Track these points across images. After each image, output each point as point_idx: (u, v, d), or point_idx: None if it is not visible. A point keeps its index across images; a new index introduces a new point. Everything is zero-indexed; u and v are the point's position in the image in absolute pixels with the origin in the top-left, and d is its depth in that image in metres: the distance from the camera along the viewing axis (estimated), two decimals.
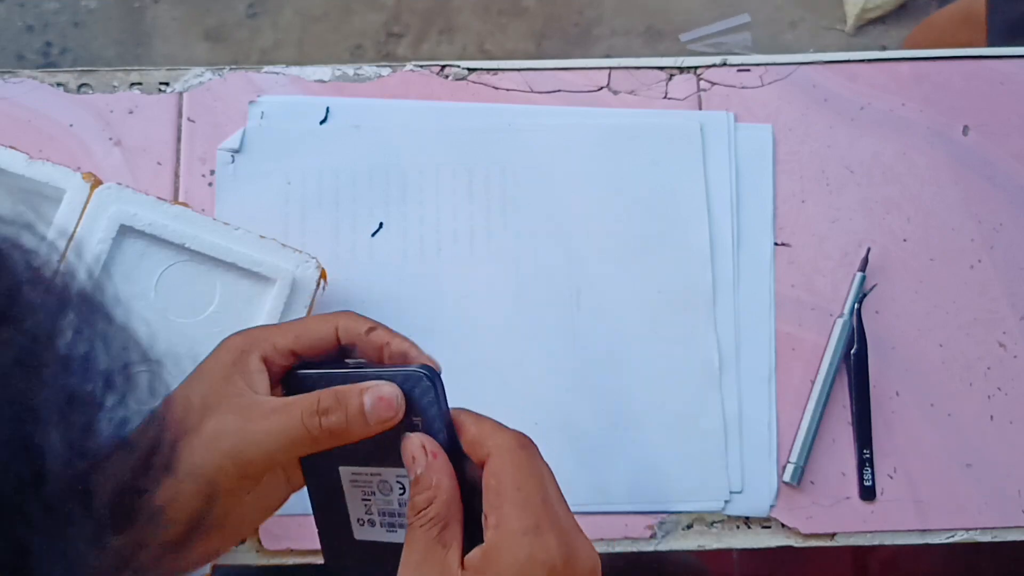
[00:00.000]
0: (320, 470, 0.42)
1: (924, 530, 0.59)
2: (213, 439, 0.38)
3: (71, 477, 0.18)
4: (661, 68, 0.65)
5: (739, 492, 0.59)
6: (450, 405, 0.40)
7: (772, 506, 0.59)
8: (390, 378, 0.39)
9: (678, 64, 0.65)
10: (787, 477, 0.58)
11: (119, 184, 0.56)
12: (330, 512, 0.42)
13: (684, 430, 0.59)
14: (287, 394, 0.41)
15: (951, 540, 0.59)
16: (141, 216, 0.55)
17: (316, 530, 0.43)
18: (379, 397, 0.38)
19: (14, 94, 0.63)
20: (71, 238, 0.55)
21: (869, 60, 0.66)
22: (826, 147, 0.64)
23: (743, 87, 0.65)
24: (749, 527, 0.59)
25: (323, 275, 0.57)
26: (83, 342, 0.19)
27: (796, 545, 0.59)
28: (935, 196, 0.64)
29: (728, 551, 0.59)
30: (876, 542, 0.59)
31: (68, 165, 0.57)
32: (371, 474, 0.41)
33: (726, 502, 0.58)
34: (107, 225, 0.55)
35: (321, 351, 0.42)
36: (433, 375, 0.40)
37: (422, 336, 0.61)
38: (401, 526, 0.41)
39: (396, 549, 0.39)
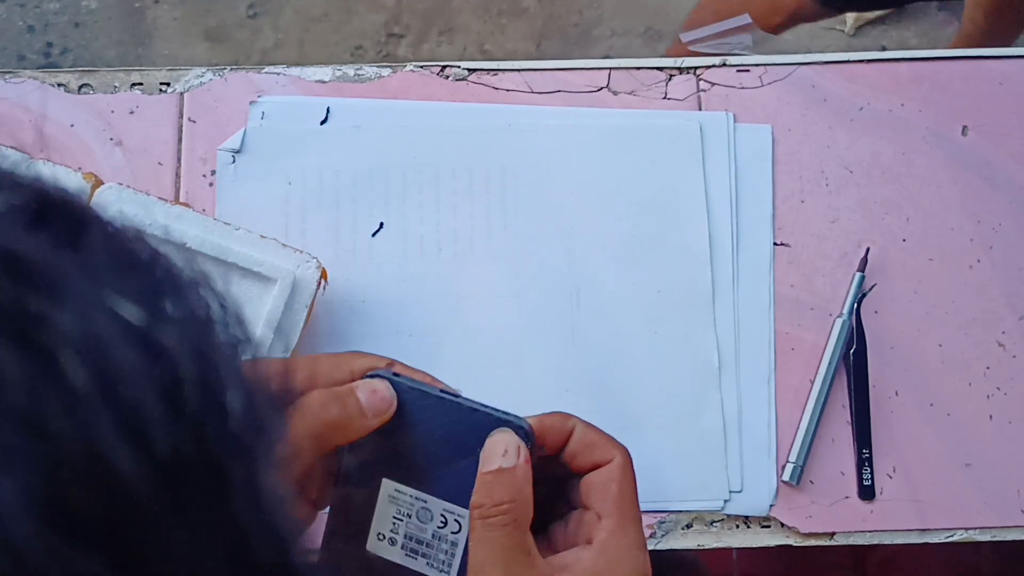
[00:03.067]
0: (361, 472, 0.41)
1: (923, 529, 0.59)
2: None
3: (248, 415, 0.20)
4: (661, 68, 0.65)
5: (738, 491, 0.59)
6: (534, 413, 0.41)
7: (771, 505, 0.59)
8: (488, 417, 0.41)
9: (678, 64, 0.65)
10: (786, 477, 0.59)
11: (120, 184, 0.56)
12: (349, 515, 0.42)
13: (684, 430, 0.59)
14: None
15: (950, 540, 0.59)
16: (142, 216, 0.55)
17: (323, 528, 0.43)
18: (372, 391, 0.39)
19: (15, 94, 0.63)
20: None
21: (868, 60, 0.66)
22: (825, 147, 0.64)
23: (743, 87, 0.65)
24: (748, 526, 0.59)
25: (324, 275, 0.57)
26: (224, 308, 0.21)
27: (795, 544, 0.59)
28: (934, 196, 0.64)
29: (727, 550, 0.59)
30: (875, 541, 0.59)
31: (69, 165, 0.57)
32: (416, 497, 0.41)
33: (725, 501, 0.59)
34: None
35: None
36: (529, 432, 0.40)
37: (422, 336, 0.61)
38: (424, 556, 0.41)
39: (405, 574, 0.40)
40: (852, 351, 0.60)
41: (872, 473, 0.59)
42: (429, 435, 0.41)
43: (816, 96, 0.65)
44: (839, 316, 0.61)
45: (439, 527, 0.41)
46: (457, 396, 0.42)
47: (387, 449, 0.41)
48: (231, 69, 0.64)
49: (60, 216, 0.19)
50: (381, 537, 0.42)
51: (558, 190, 0.63)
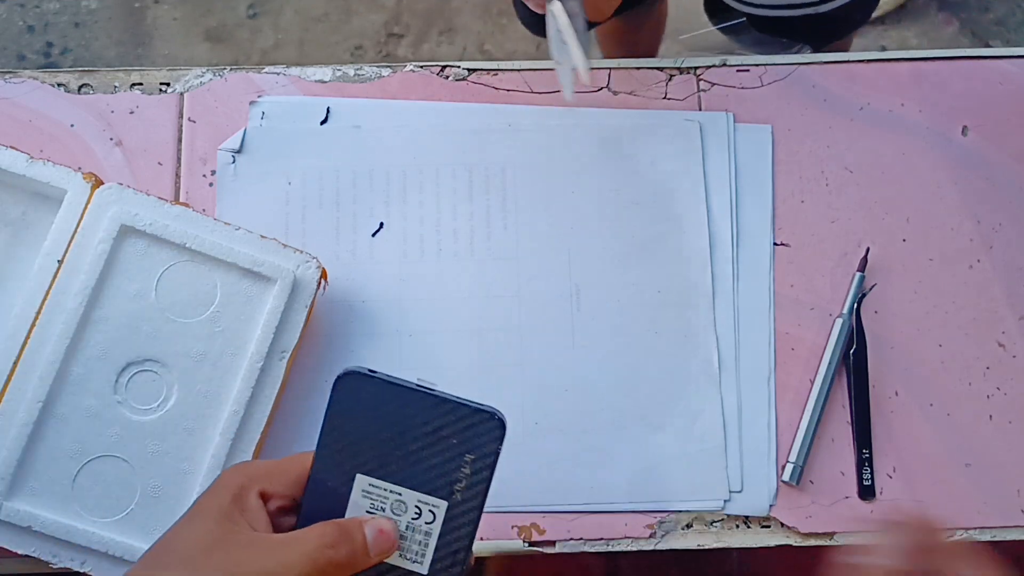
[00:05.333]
0: (334, 469, 0.42)
1: None
2: None
3: None
4: (661, 68, 0.65)
5: (739, 491, 0.59)
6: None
7: (771, 505, 0.59)
8: (464, 408, 0.41)
9: (678, 64, 0.65)
10: (786, 476, 0.59)
11: (120, 184, 0.56)
12: (321, 512, 0.42)
13: (684, 430, 0.59)
14: (332, 395, 0.41)
15: (950, 540, 0.59)
16: (142, 216, 0.55)
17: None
18: (379, 531, 0.40)
19: (15, 94, 0.63)
20: (72, 238, 0.55)
21: (868, 60, 0.66)
22: (825, 147, 0.64)
23: (742, 87, 0.65)
24: (748, 526, 0.59)
25: (324, 275, 0.57)
26: None
27: (795, 544, 0.59)
28: (934, 196, 0.64)
29: (727, 550, 0.59)
30: (875, 541, 0.59)
31: (69, 165, 0.57)
32: (391, 491, 0.41)
33: (726, 501, 0.59)
34: (108, 225, 0.55)
35: None
36: (503, 423, 0.41)
37: (422, 336, 0.61)
38: (397, 548, 0.41)
39: (376, 566, 0.40)
40: (852, 351, 0.60)
41: (872, 473, 0.59)
42: (404, 427, 0.41)
43: (816, 96, 0.65)
44: (839, 316, 0.61)
45: (413, 518, 0.41)
46: (432, 388, 0.42)
47: (361, 444, 0.41)
48: (231, 69, 0.64)
49: None
50: None
51: (558, 190, 0.63)
